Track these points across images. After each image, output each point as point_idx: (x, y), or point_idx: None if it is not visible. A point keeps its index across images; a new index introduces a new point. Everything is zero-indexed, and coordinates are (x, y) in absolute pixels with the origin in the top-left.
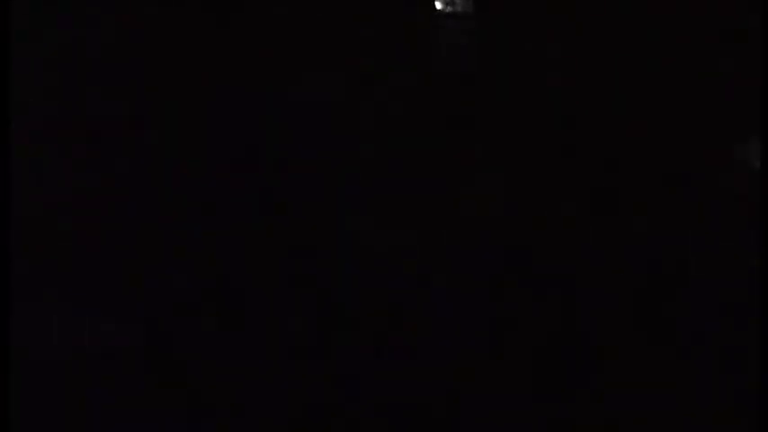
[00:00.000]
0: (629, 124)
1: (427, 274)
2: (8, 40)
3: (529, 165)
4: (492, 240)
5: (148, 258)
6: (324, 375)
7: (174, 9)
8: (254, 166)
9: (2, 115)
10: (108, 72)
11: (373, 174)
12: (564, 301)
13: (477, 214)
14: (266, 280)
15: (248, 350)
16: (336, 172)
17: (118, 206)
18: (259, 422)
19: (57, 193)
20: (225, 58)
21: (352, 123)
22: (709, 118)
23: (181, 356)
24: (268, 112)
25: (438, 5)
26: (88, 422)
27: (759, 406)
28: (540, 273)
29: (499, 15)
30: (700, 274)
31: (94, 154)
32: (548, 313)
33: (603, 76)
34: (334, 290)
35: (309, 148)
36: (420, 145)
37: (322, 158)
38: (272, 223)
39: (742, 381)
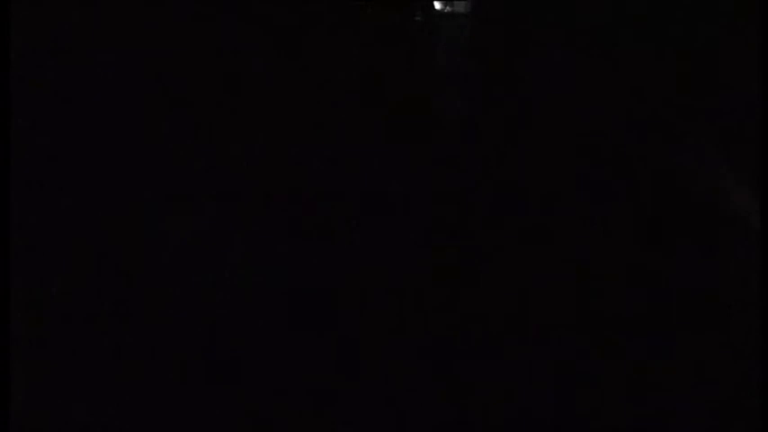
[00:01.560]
0: (628, 124)
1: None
2: (8, 41)
3: (529, 164)
4: (488, 239)
5: (149, 258)
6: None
7: (174, 9)
8: (254, 165)
9: (2, 115)
10: (109, 72)
11: (373, 173)
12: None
13: (477, 213)
14: (265, 279)
15: (247, 348)
16: (335, 171)
17: (118, 206)
18: (258, 419)
19: (57, 192)
20: (224, 58)
21: (351, 123)
22: (709, 122)
23: (181, 356)
24: (267, 112)
25: (437, 5)
26: (88, 422)
27: (760, 407)
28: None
29: (497, 15)
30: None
31: (95, 154)
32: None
33: (602, 75)
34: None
35: (308, 148)
36: (419, 144)
37: (321, 158)
38: (272, 223)
39: (742, 383)
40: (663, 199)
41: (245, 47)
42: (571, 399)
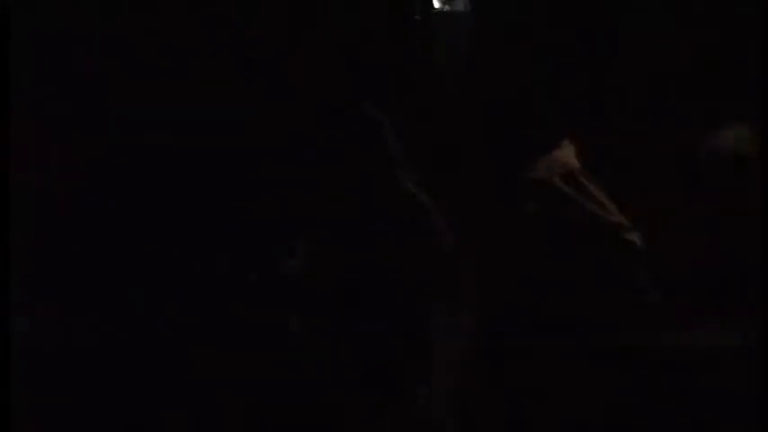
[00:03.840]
0: (627, 121)
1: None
2: (7, 43)
3: (528, 163)
4: (484, 238)
5: (148, 258)
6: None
7: (174, 11)
8: (252, 165)
9: (2, 115)
10: (109, 74)
11: (373, 173)
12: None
13: (475, 213)
14: (263, 278)
15: (245, 349)
16: (334, 171)
17: (117, 206)
18: (257, 417)
19: (56, 192)
20: (222, 58)
21: (350, 123)
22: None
23: (179, 355)
24: (267, 113)
25: (436, 4)
26: (88, 421)
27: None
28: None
29: (497, 13)
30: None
31: (94, 155)
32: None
33: (603, 73)
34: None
35: (306, 149)
36: (418, 144)
37: (319, 158)
38: (269, 222)
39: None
40: None
41: (247, 43)
42: None
